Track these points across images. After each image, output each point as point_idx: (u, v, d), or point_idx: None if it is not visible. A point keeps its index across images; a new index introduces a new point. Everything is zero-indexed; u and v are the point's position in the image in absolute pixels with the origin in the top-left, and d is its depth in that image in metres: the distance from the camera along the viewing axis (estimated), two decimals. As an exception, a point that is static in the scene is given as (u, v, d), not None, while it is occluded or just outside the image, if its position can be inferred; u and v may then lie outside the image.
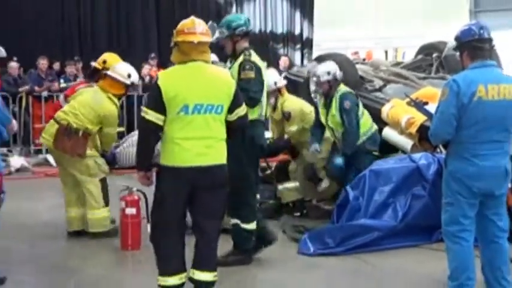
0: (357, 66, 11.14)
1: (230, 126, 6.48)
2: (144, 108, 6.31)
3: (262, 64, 7.89)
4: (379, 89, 10.45)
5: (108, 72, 9.21)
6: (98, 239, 9.05)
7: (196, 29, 6.36)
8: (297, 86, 11.14)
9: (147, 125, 6.25)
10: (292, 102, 10.64)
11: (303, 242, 8.70)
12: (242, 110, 6.57)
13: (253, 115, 7.46)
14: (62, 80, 17.89)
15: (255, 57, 7.70)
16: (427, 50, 12.41)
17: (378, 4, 26.05)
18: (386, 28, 24.78)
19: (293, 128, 10.52)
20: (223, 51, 7.89)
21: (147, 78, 19.00)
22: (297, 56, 26.42)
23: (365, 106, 10.19)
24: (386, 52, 21.94)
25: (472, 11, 26.33)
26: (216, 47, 7.28)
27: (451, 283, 6.26)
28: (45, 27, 21.67)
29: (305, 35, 27.14)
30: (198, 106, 6.19)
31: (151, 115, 6.16)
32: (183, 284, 6.34)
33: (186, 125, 6.18)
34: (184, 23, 6.43)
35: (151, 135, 6.31)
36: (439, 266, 6.89)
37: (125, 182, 9.97)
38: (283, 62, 20.18)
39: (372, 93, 10.31)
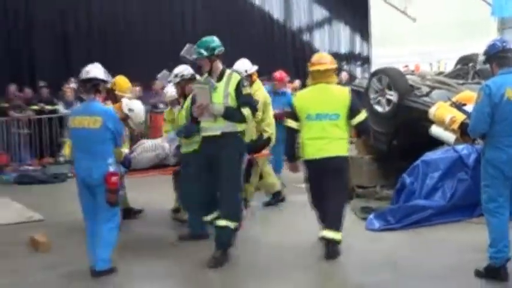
0: (407, 76, 11.03)
1: (356, 129, 7.56)
2: (286, 119, 7.73)
3: None
4: (426, 95, 10.31)
5: (118, 93, 9.24)
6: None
7: (321, 60, 7.55)
8: (360, 94, 11.06)
9: (288, 129, 7.59)
10: (261, 92, 9.99)
11: (369, 220, 8.74)
12: (361, 116, 7.41)
13: (243, 126, 7.25)
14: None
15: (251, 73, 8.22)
16: (463, 61, 12.24)
17: (421, 25, 25.84)
18: (429, 45, 24.55)
19: (259, 114, 9.47)
20: (200, 70, 7.43)
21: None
22: (358, 70, 26.33)
23: (415, 109, 10.15)
24: (430, 64, 21.83)
25: (499, 28, 25.97)
26: (193, 66, 7.39)
27: (491, 249, 6.19)
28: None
29: (364, 53, 27.11)
30: (318, 115, 7.29)
31: (289, 122, 7.55)
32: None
33: (310, 129, 7.34)
34: (315, 57, 7.72)
35: (291, 136, 7.59)
36: (480, 237, 6.78)
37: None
38: (344, 76, 20.05)
39: (420, 98, 10.20)
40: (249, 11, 23.80)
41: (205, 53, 6.98)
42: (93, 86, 6.76)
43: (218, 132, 7.03)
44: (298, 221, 9.12)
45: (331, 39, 26.29)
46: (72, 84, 16.74)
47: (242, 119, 7.06)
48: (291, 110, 7.69)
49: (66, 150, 9.07)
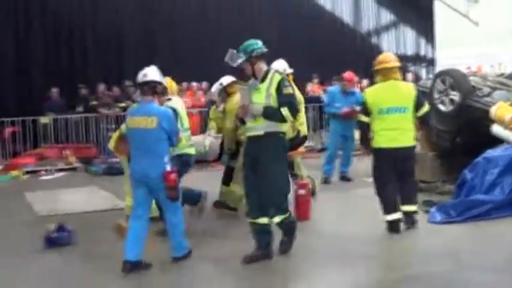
0: (470, 78, 10.85)
1: (420, 120, 7.96)
2: (358, 115, 8.25)
3: None
4: (488, 95, 10.14)
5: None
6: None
7: (387, 59, 8.06)
8: (425, 94, 10.95)
9: (361, 123, 8.09)
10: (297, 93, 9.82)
11: (431, 213, 8.61)
12: (424, 108, 7.94)
13: (284, 127, 6.85)
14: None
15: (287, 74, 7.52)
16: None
17: (484, 28, 25.33)
18: (491, 47, 24.06)
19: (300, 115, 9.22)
20: (244, 73, 7.02)
21: (310, 94, 18.78)
22: (423, 72, 26.02)
23: (477, 108, 10.01)
24: (492, 66, 21.40)
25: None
26: (237, 70, 7.07)
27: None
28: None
29: (428, 55, 26.76)
30: (389, 109, 7.71)
31: (362, 117, 8.03)
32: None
33: (382, 121, 7.74)
34: (381, 56, 8.21)
35: (364, 129, 8.05)
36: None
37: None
38: (410, 77, 19.78)
39: (482, 99, 10.04)
40: (320, 15, 23.74)
41: (243, 57, 6.79)
42: (150, 88, 6.70)
43: (261, 132, 6.71)
44: (361, 212, 9.10)
45: (397, 42, 26.04)
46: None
47: (282, 119, 6.67)
48: (363, 106, 8.09)
49: (111, 144, 8.95)
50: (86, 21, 19.05)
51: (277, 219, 6.84)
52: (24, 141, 16.20)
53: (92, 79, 17.76)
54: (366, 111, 7.96)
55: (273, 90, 6.66)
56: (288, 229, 7.03)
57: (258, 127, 6.71)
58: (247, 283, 6.32)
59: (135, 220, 6.69)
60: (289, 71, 9.24)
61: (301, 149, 9.61)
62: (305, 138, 9.53)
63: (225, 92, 9.17)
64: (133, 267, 6.46)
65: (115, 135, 8.91)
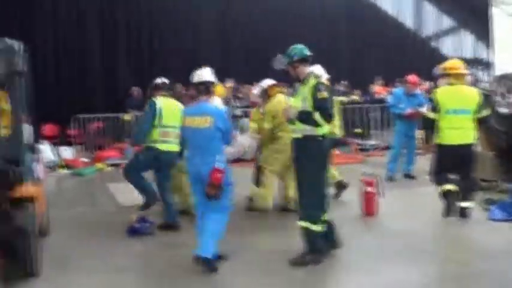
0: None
1: (479, 121, 8.24)
2: (428, 112, 8.39)
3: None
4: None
5: None
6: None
7: (458, 65, 8.39)
8: (486, 97, 10.69)
9: (428, 119, 8.34)
10: None
11: (492, 211, 8.39)
12: (485, 112, 8.29)
13: (324, 130, 6.45)
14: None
15: (324, 80, 6.99)
16: None
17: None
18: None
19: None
20: (289, 76, 6.78)
21: (375, 95, 18.59)
22: (482, 75, 25.46)
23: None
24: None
25: None
26: (284, 73, 6.86)
27: None
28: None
29: (487, 59, 26.25)
30: (455, 110, 8.08)
31: (430, 114, 8.31)
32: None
33: (449, 121, 8.10)
34: (452, 63, 8.53)
35: (430, 125, 8.31)
36: None
37: (365, 168, 10.08)
38: (469, 80, 19.27)
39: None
40: (384, 20, 23.46)
41: (286, 61, 6.64)
42: (205, 88, 6.54)
43: (299, 135, 6.52)
44: (424, 210, 8.91)
45: (456, 46, 25.58)
46: (228, 84, 17.16)
47: (315, 123, 6.37)
48: (432, 103, 8.30)
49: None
50: (166, 24, 19.18)
51: (301, 223, 6.51)
52: (108, 136, 16.48)
53: (170, 79, 17.87)
54: (435, 109, 8.23)
55: (308, 94, 6.44)
56: (307, 240, 6.54)
57: (297, 130, 6.54)
58: (315, 276, 6.24)
59: (200, 219, 6.52)
60: (326, 77, 8.98)
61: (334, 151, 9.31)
62: (338, 140, 9.31)
63: (266, 94, 9.10)
64: (207, 262, 6.20)
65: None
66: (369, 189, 8.65)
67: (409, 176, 11.78)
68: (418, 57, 22.82)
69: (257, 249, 7.14)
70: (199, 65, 6.67)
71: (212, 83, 6.62)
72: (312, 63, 6.93)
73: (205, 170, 6.26)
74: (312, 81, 6.51)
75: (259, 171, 8.99)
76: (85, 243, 7.48)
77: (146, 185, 8.31)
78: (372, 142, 17.10)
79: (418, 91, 12.22)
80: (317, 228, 6.46)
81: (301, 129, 6.47)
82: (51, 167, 13.03)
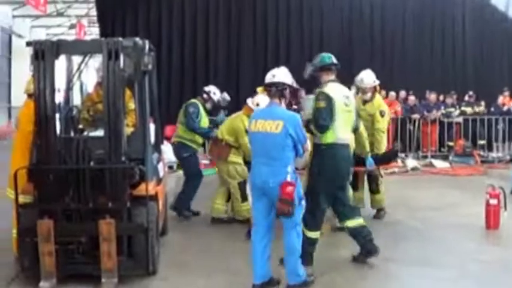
0: None
1: None
2: None
3: (340, 94, 6.48)
4: None
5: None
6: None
7: None
8: None
9: None
10: (384, 104, 9.12)
11: None
12: None
13: (327, 139, 6.38)
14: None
15: (330, 89, 6.48)
16: None
17: None
18: None
19: (385, 124, 8.80)
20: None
21: (504, 107, 17.78)
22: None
23: None
24: None
25: None
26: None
27: None
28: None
29: None
30: None
31: None
32: None
33: None
34: None
35: None
36: None
37: (489, 180, 9.72)
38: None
39: None
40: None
41: (311, 69, 6.69)
42: (278, 90, 5.80)
43: (314, 141, 6.55)
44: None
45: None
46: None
47: (312, 133, 6.48)
48: None
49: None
50: (290, 36, 18.99)
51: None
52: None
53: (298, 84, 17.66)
54: None
55: (314, 104, 6.54)
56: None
57: (312, 138, 6.56)
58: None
59: (256, 237, 5.82)
60: (376, 82, 8.87)
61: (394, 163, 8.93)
62: (396, 151, 9.27)
63: None
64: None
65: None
66: (493, 201, 8.32)
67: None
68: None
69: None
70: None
71: (287, 86, 5.89)
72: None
73: (274, 181, 5.56)
74: (317, 91, 6.57)
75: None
76: (202, 244, 7.52)
77: None
78: (496, 154, 16.57)
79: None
80: (311, 235, 6.42)
81: (313, 137, 6.55)
82: (171, 168, 13.29)
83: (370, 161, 8.18)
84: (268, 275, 5.80)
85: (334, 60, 6.70)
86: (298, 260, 5.78)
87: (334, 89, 6.52)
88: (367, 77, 8.83)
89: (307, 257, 6.29)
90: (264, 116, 5.79)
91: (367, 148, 8.11)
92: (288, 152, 5.64)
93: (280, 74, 5.88)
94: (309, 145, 5.94)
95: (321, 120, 6.38)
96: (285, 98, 5.86)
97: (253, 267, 5.74)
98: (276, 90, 5.81)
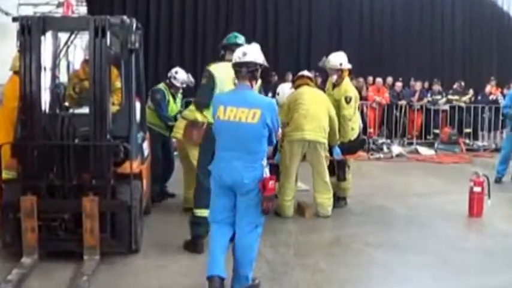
0: None
1: None
2: None
3: (228, 74, 5.74)
4: None
5: None
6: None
7: None
8: None
9: None
10: (352, 89, 8.57)
11: None
12: None
13: (205, 118, 6.29)
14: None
15: (218, 67, 6.30)
16: None
17: None
18: None
19: (351, 111, 8.36)
20: None
21: (491, 96, 17.80)
22: None
23: None
24: None
25: None
26: None
27: None
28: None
29: None
30: None
31: None
32: None
33: None
34: None
35: None
36: None
37: (474, 169, 9.82)
38: None
39: None
40: (499, 17, 22.29)
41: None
42: (249, 71, 5.05)
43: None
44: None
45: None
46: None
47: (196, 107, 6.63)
48: None
49: (178, 133, 7.84)
50: (278, 19, 18.98)
51: None
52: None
53: (283, 68, 17.69)
54: None
55: None
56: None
57: None
58: (419, 273, 6.07)
59: (218, 236, 5.18)
60: (346, 66, 8.50)
61: (360, 152, 8.82)
62: (364, 141, 8.76)
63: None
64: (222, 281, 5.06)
65: (182, 123, 7.87)
66: (477, 189, 8.36)
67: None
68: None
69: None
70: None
71: (259, 66, 5.14)
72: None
73: (249, 177, 4.93)
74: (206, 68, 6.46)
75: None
76: (186, 224, 7.52)
77: None
78: (482, 143, 16.72)
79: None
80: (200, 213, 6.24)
81: None
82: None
83: (336, 150, 8.22)
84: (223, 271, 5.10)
85: (240, 42, 6.43)
86: (253, 263, 5.19)
87: (222, 68, 6.23)
88: (334, 59, 8.49)
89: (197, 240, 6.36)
90: (236, 103, 5.00)
91: (337, 136, 8.12)
92: (265, 143, 5.06)
93: (252, 52, 5.14)
94: (280, 132, 5.46)
95: (197, 96, 6.52)
96: (255, 80, 5.16)
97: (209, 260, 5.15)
98: (246, 71, 5.06)
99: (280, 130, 5.31)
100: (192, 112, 7.16)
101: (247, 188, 4.96)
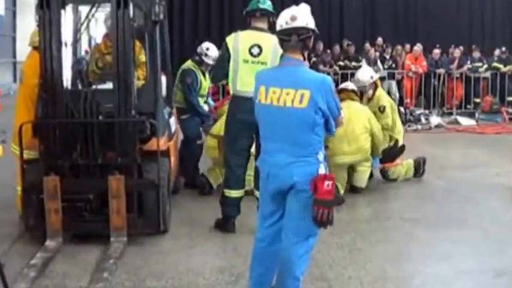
0: None
1: None
2: None
3: (246, 44, 5.90)
4: None
5: None
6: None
7: None
8: None
9: None
10: (385, 97, 8.69)
11: None
12: None
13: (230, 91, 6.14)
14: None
15: (236, 37, 6.05)
16: None
17: None
18: None
19: (388, 120, 8.32)
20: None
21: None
22: None
23: None
24: None
25: None
26: None
27: None
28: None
29: None
30: None
31: None
32: None
33: None
34: None
35: None
36: None
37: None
38: None
39: None
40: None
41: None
42: (300, 40, 4.06)
43: None
44: None
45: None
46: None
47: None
48: None
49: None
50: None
51: None
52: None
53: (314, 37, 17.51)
54: None
55: None
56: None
57: None
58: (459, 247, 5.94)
59: (259, 247, 4.33)
60: (375, 77, 8.69)
61: (398, 160, 8.57)
62: (403, 148, 8.56)
63: None
64: None
65: (212, 141, 7.81)
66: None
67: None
68: None
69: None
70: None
71: (312, 32, 4.15)
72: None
73: (299, 174, 3.99)
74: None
75: None
76: (216, 203, 7.45)
77: None
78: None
79: None
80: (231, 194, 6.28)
81: None
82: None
83: (376, 161, 8.13)
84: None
85: (262, 6, 6.12)
86: (298, 278, 4.13)
87: (241, 38, 6.08)
88: (363, 75, 8.57)
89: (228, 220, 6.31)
90: (280, 83, 4.05)
91: (379, 151, 8.06)
92: (319, 132, 4.05)
93: (303, 15, 4.11)
94: (343, 116, 4.25)
95: (215, 69, 6.44)
96: (307, 51, 4.29)
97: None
98: (297, 39, 4.05)
99: (342, 114, 4.20)
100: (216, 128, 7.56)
101: (298, 188, 3.99)
